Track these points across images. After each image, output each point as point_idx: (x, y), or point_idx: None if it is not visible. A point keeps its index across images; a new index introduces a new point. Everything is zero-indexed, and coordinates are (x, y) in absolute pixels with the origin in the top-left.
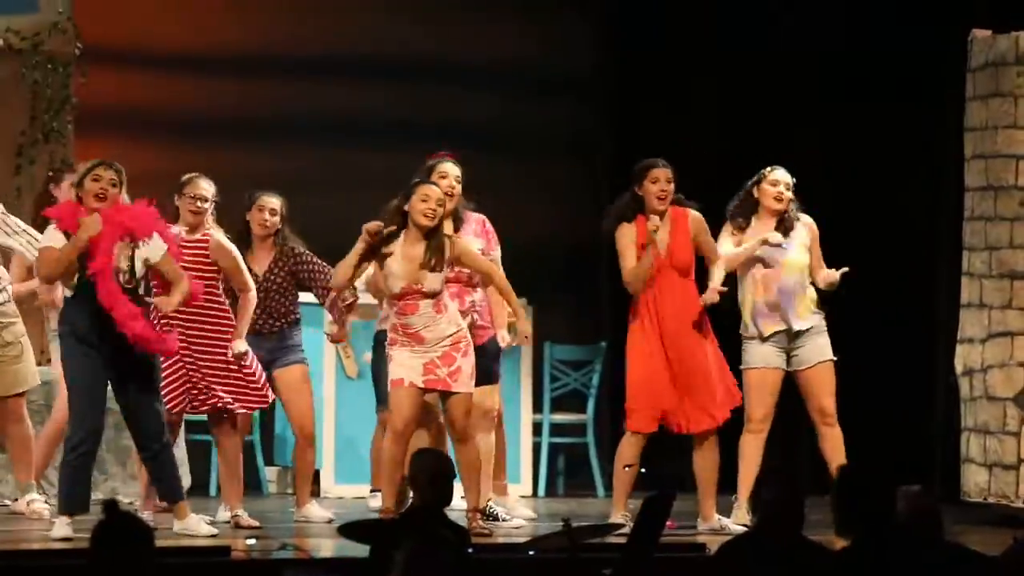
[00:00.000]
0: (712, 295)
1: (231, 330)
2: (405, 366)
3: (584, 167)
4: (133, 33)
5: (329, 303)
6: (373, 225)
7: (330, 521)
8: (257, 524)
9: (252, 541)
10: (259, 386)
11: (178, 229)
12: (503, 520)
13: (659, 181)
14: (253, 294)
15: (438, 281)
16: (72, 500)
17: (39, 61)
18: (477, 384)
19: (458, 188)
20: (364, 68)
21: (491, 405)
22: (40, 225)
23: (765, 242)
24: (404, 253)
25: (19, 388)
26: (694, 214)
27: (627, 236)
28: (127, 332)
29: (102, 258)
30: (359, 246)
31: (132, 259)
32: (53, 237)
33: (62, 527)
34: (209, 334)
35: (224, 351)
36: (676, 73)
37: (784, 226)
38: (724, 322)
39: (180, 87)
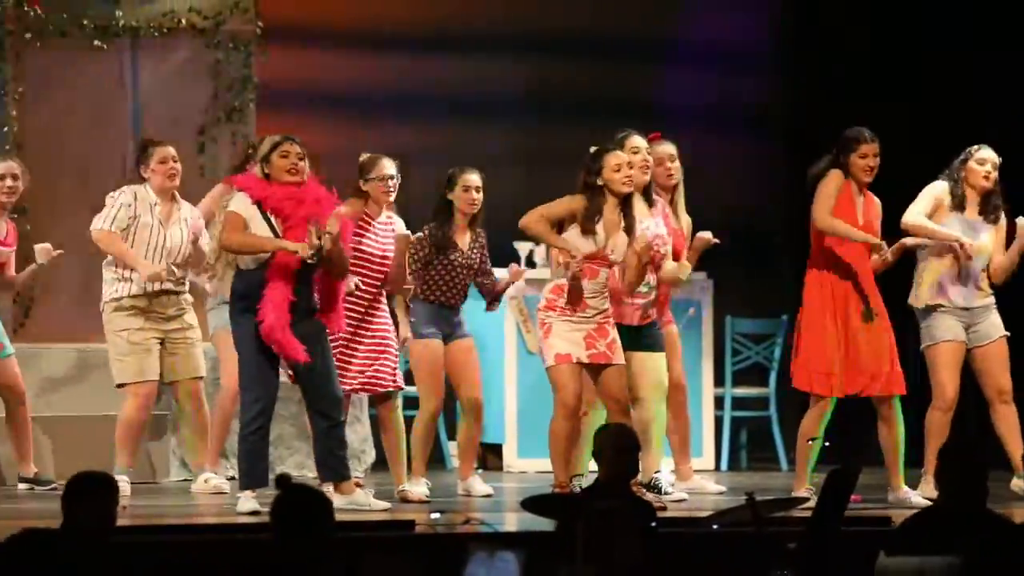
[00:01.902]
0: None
1: (384, 311)
2: (568, 340)
3: (765, 141)
4: (312, 11)
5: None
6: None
7: (489, 496)
8: (424, 499)
9: (436, 515)
10: (394, 367)
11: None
12: (665, 493)
13: (868, 156)
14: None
15: (623, 250)
16: (253, 475)
17: (220, 40)
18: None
19: (651, 161)
20: (544, 45)
21: (664, 376)
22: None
23: (962, 247)
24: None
25: (201, 372)
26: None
27: (833, 183)
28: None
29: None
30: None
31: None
32: (243, 202)
33: (248, 501)
34: (373, 315)
35: (377, 332)
36: (859, 47)
37: (990, 205)
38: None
39: (359, 65)
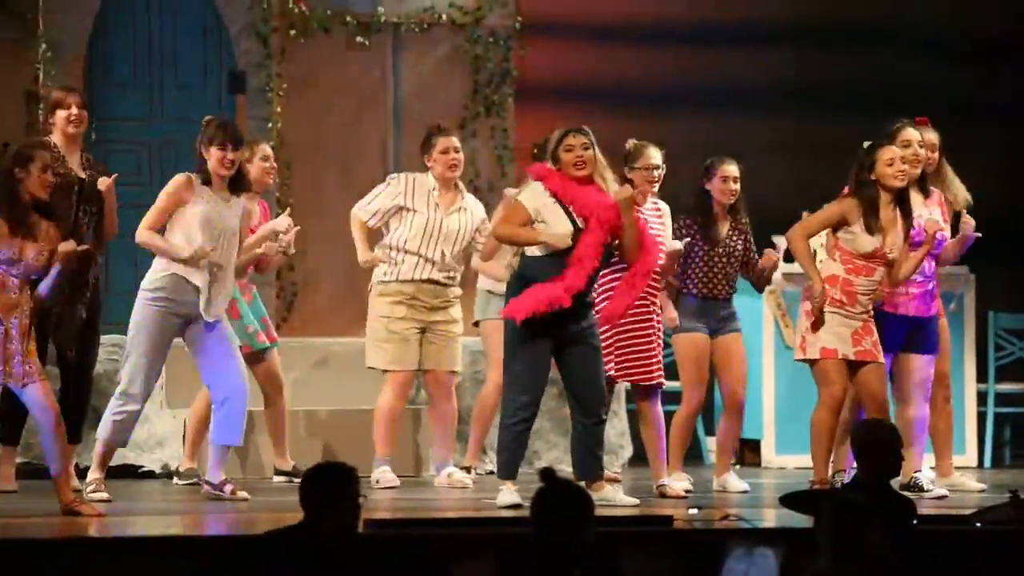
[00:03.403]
0: None
1: (653, 300)
2: (837, 335)
3: None
4: (570, 6)
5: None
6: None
7: (745, 492)
8: (683, 495)
9: (694, 511)
10: (656, 361)
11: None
12: (926, 491)
13: None
14: None
15: (901, 247)
16: (512, 466)
17: (480, 35)
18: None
19: (923, 154)
20: (804, 35)
21: (930, 376)
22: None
23: None
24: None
25: (457, 367)
26: None
27: None
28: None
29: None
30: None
31: None
32: (534, 192)
33: (508, 494)
34: (642, 304)
35: (643, 322)
36: None
37: None
38: None
39: (617, 58)
